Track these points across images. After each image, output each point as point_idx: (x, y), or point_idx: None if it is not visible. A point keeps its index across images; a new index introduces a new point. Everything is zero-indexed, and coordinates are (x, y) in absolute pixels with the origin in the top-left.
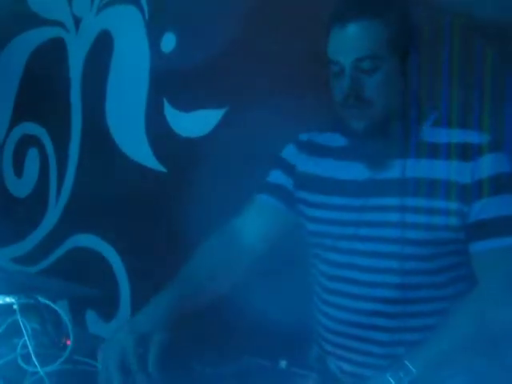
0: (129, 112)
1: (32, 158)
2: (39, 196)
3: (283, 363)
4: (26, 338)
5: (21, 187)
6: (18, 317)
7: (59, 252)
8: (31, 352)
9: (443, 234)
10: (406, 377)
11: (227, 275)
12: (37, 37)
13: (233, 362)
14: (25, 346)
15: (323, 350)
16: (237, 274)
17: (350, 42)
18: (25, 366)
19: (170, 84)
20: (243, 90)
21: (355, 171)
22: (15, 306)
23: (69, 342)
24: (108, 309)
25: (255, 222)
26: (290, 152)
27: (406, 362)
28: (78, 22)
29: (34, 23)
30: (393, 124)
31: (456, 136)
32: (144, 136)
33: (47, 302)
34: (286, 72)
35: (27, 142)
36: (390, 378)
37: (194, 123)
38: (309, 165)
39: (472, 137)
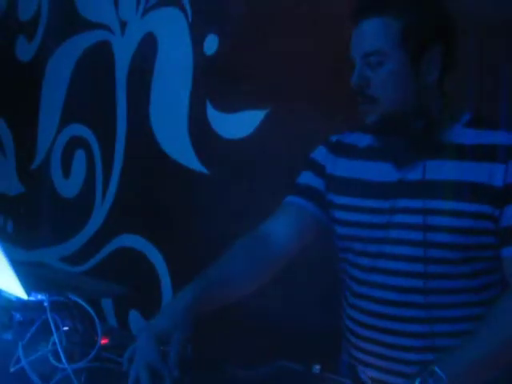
0: (172, 113)
1: (79, 160)
2: (86, 197)
3: (316, 368)
4: (55, 335)
5: (68, 188)
6: (48, 314)
7: (105, 252)
8: (59, 349)
9: (472, 238)
10: (436, 383)
11: (253, 277)
12: (84, 40)
13: (265, 365)
14: (56, 343)
15: (352, 357)
16: (264, 276)
17: (360, 37)
18: (54, 363)
19: (213, 85)
20: (285, 91)
21: (383, 172)
22: (45, 304)
23: (105, 341)
24: (150, 308)
25: (285, 224)
26: (320, 153)
27: (436, 369)
28: (123, 25)
29: (82, 27)
30: (413, 122)
31: (486, 137)
32: (187, 138)
33: (78, 300)
34: (328, 72)
35: (75, 143)
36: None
37: (235, 125)
38: (337, 166)
39: (503, 138)
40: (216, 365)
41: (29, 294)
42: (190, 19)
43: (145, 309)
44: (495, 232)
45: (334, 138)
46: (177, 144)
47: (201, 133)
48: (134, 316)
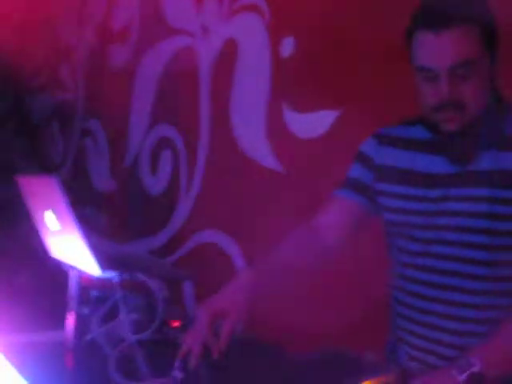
0: (251, 114)
1: (166, 159)
2: (171, 193)
3: (368, 355)
4: (122, 310)
5: (155, 185)
6: (117, 290)
7: (188, 246)
8: (125, 322)
9: None
10: (469, 369)
11: (308, 265)
12: (171, 46)
13: (320, 351)
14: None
15: (399, 338)
16: (317, 264)
17: (445, 48)
18: (120, 334)
19: (289, 87)
20: (356, 91)
21: (436, 164)
22: (115, 280)
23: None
24: None
25: (334, 216)
26: (368, 145)
27: (472, 355)
28: (206, 30)
29: (168, 33)
30: (485, 119)
31: None
32: (264, 137)
33: (145, 278)
34: (400, 73)
35: (162, 143)
36: (452, 370)
37: (310, 124)
38: (387, 157)
39: None
40: (277, 348)
41: (102, 272)
42: (267, 23)
43: None
44: None
45: (382, 131)
46: (255, 143)
47: (277, 132)
48: None
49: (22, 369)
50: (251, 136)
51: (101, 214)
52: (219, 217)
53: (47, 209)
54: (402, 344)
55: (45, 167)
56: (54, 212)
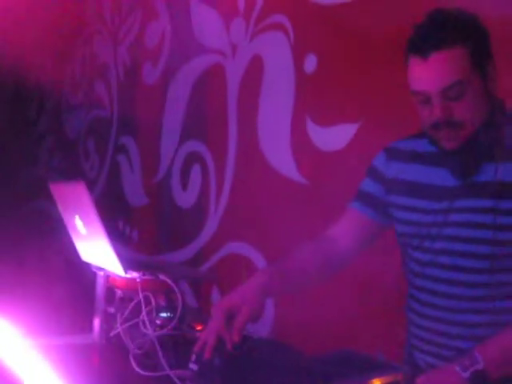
0: (276, 128)
1: (196, 173)
2: (201, 207)
3: (380, 355)
4: (144, 309)
5: (186, 199)
6: (139, 289)
7: (216, 257)
8: (145, 319)
9: None
10: (473, 367)
11: (320, 272)
12: (201, 64)
13: (335, 351)
14: (146, 314)
15: (412, 345)
16: (329, 272)
17: (434, 72)
18: (143, 330)
19: (312, 101)
20: (375, 104)
21: (441, 177)
22: (138, 280)
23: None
24: None
25: (346, 228)
26: (379, 160)
27: (476, 353)
28: (234, 48)
29: (199, 52)
30: (485, 133)
31: None
32: (289, 150)
33: (166, 279)
34: None
35: (192, 158)
36: (456, 367)
37: (332, 137)
38: (396, 170)
39: None
40: (291, 348)
41: (125, 272)
42: (291, 41)
43: None
44: None
45: (393, 145)
46: (280, 157)
47: (301, 145)
48: None
49: (55, 368)
50: (277, 149)
51: (133, 229)
52: (246, 229)
53: (76, 213)
54: (417, 351)
55: None
56: (82, 216)
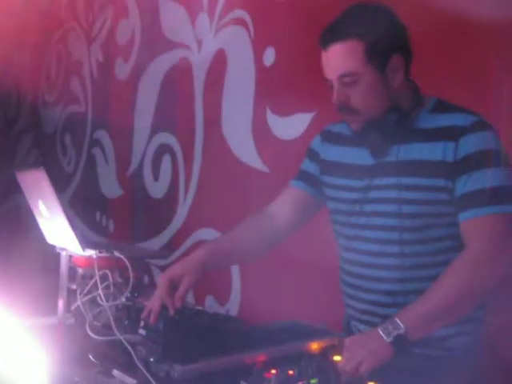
0: (239, 119)
1: (166, 164)
2: (172, 196)
3: (322, 324)
4: (99, 284)
5: (157, 189)
6: (96, 266)
7: (186, 245)
8: (100, 293)
9: (433, 208)
10: (395, 331)
11: (258, 246)
12: (169, 58)
13: (277, 321)
14: (104, 288)
15: (348, 314)
16: (267, 245)
17: (332, 62)
18: (100, 303)
19: (271, 93)
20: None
21: (362, 157)
22: (94, 257)
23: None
24: (223, 294)
25: (286, 204)
26: (315, 142)
27: (396, 319)
28: (200, 43)
29: (167, 47)
30: (388, 118)
31: (447, 120)
32: (251, 140)
33: (121, 256)
34: None
35: (162, 150)
36: (379, 331)
37: (289, 126)
38: (329, 152)
39: (459, 119)
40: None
41: (83, 250)
42: (252, 35)
43: (218, 294)
44: (451, 202)
45: (326, 127)
46: (243, 146)
47: (262, 135)
48: (209, 300)
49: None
50: (240, 140)
51: (109, 220)
52: (214, 216)
53: (39, 198)
54: (352, 319)
55: (57, 177)
56: (44, 200)
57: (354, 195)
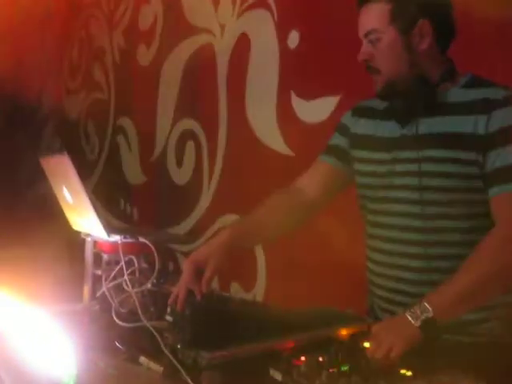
0: (263, 103)
1: (189, 150)
2: (195, 182)
3: (349, 310)
4: (125, 270)
5: (181, 176)
6: (120, 251)
7: (211, 231)
8: (126, 279)
9: (462, 183)
10: (423, 314)
11: (284, 222)
12: (192, 44)
13: (309, 307)
14: (129, 274)
15: (372, 295)
16: (295, 222)
17: (362, 19)
18: (126, 288)
19: (296, 76)
20: (354, 78)
21: (391, 129)
22: (119, 242)
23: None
24: (248, 280)
25: (314, 178)
26: (346, 116)
27: (424, 302)
28: (222, 27)
29: (190, 32)
30: (412, 87)
31: (479, 94)
32: (276, 124)
33: (146, 241)
34: None
35: (186, 136)
36: (407, 315)
37: (314, 110)
38: (358, 126)
39: (491, 93)
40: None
41: (108, 235)
42: (275, 18)
43: (244, 281)
44: (481, 176)
45: (358, 104)
46: (267, 130)
47: (287, 118)
48: (234, 287)
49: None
50: (264, 123)
51: (133, 207)
52: (238, 202)
53: (63, 184)
54: (375, 298)
55: (81, 165)
56: (68, 186)
57: (382, 168)
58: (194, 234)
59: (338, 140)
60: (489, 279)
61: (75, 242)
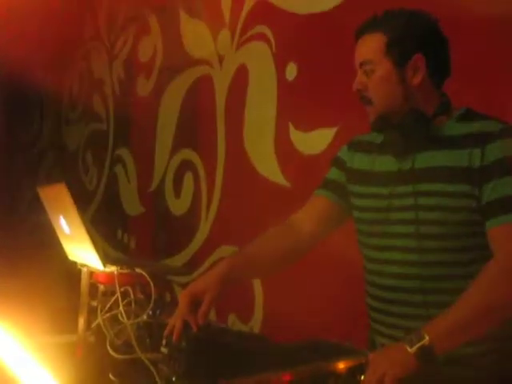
0: (262, 134)
1: (188, 181)
2: (193, 213)
3: (348, 343)
4: (120, 301)
5: (179, 206)
6: (116, 282)
7: (209, 261)
8: (122, 310)
9: (459, 216)
10: (419, 341)
11: (281, 257)
12: (191, 75)
13: (303, 339)
14: (125, 305)
15: (373, 330)
16: (291, 257)
17: (358, 50)
18: (121, 319)
19: (293, 107)
20: (351, 109)
21: (387, 163)
22: (115, 273)
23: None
24: (246, 312)
25: (310, 213)
26: (343, 151)
27: (421, 330)
28: (221, 59)
29: (189, 63)
30: (406, 118)
31: (474, 127)
32: (273, 155)
33: (142, 272)
34: None
35: (184, 166)
36: (404, 343)
37: (312, 141)
38: (355, 160)
39: (486, 126)
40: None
41: (104, 266)
42: (273, 50)
43: (241, 313)
44: (478, 209)
45: (354, 138)
46: (265, 162)
47: (284, 150)
48: (232, 319)
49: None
50: (262, 155)
51: (131, 238)
52: (236, 233)
53: (60, 214)
54: (375, 333)
55: (79, 195)
56: (65, 216)
57: (380, 203)
58: (191, 264)
59: (334, 174)
60: (487, 310)
61: (71, 272)
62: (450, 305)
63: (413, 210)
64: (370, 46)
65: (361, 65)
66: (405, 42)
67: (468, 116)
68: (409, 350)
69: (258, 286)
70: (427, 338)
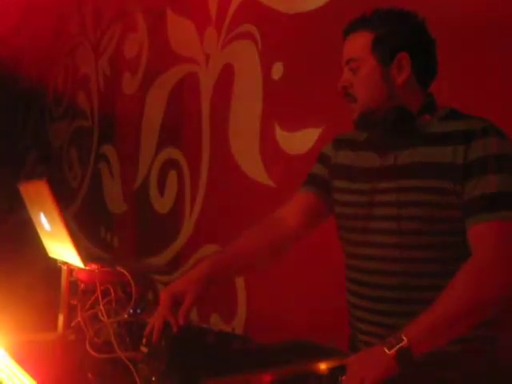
0: (247, 134)
1: (172, 179)
2: (177, 212)
3: (331, 343)
4: (100, 299)
5: (163, 205)
6: (97, 281)
7: (193, 260)
8: (102, 308)
9: (440, 212)
10: (397, 344)
11: (264, 253)
12: (177, 73)
13: (285, 341)
14: (105, 304)
15: (352, 325)
16: (274, 253)
17: (344, 48)
18: (101, 318)
19: (279, 107)
20: (337, 110)
21: (370, 160)
22: (96, 271)
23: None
24: (228, 312)
25: (295, 208)
26: (327, 147)
27: (399, 333)
28: (207, 57)
29: (174, 61)
30: (387, 117)
31: (459, 125)
32: (258, 155)
33: (123, 271)
34: None
35: (168, 165)
36: (382, 346)
37: (297, 141)
38: (340, 156)
39: (470, 124)
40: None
41: (85, 264)
42: (259, 49)
43: (224, 312)
44: (459, 206)
45: (339, 136)
46: (250, 161)
47: (269, 150)
48: (215, 319)
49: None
50: (247, 154)
51: (114, 236)
52: (220, 232)
53: (41, 211)
54: (356, 331)
55: (63, 192)
56: (46, 213)
57: (362, 199)
58: (175, 263)
59: (318, 170)
60: (465, 311)
61: (51, 269)
62: (432, 302)
63: (395, 206)
64: (357, 44)
65: (347, 62)
66: (390, 40)
67: (452, 115)
68: (387, 352)
69: (241, 285)
70: (406, 340)
